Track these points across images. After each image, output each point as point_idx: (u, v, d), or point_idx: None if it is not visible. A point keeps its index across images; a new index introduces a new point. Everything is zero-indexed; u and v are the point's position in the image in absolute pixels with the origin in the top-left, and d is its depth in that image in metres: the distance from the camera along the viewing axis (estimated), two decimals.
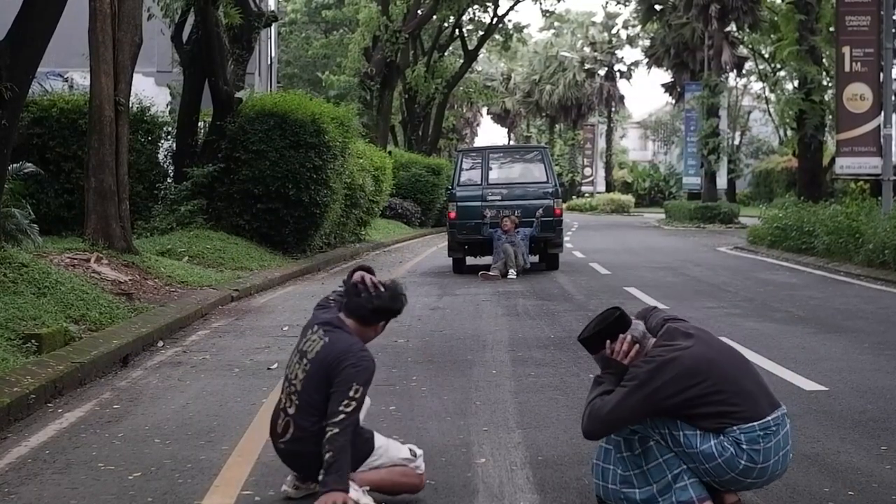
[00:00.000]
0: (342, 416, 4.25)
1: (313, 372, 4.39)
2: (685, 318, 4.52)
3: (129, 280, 11.47)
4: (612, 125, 67.53)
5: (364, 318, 4.51)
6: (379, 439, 4.58)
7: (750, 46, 44.28)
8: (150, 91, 21.78)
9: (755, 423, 4.07)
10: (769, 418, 4.10)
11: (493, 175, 17.44)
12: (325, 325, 4.50)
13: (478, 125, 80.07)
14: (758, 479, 4.14)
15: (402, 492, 4.59)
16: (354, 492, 4.33)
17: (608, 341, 4.21)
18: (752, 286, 14.67)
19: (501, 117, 76.41)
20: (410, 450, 4.62)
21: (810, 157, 36.51)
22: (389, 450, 4.57)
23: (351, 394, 4.28)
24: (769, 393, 4.24)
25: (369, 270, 4.66)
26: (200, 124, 18.94)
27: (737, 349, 4.49)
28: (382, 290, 4.52)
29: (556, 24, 62.25)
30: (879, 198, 20.57)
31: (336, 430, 4.24)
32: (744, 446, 4.06)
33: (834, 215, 19.08)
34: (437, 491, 4.74)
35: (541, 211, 16.65)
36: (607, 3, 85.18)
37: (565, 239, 21.00)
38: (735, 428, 4.07)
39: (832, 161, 30.21)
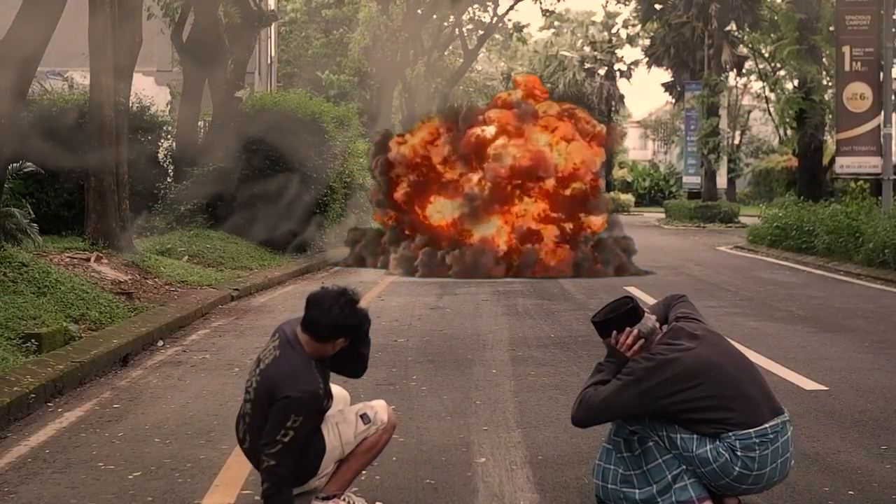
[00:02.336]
0: (279, 447, 4.03)
1: (261, 387, 4.19)
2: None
3: (129, 279, 11.48)
4: (611, 124, 67.52)
5: (320, 336, 4.18)
6: (328, 436, 4.31)
7: (750, 46, 44.26)
8: (150, 90, 21.83)
9: (751, 430, 4.05)
10: (767, 426, 4.07)
11: None
12: (283, 335, 4.26)
13: None
14: (753, 486, 4.12)
15: (381, 450, 4.49)
16: None
17: (615, 331, 4.21)
18: (753, 285, 14.68)
19: None
20: (361, 417, 4.37)
21: (810, 156, 36.49)
22: (343, 436, 4.34)
23: (288, 424, 4.03)
24: (772, 399, 4.19)
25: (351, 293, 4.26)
26: (200, 123, 18.96)
27: (743, 353, 4.47)
28: (343, 304, 4.17)
29: (555, 23, 62.14)
30: (879, 197, 20.58)
31: (272, 462, 4.03)
32: (738, 453, 4.03)
33: (834, 215, 19.08)
34: (437, 490, 4.74)
35: None
36: (607, 2, 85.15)
37: None
38: (731, 434, 4.05)
39: (832, 160, 30.21)
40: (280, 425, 4.04)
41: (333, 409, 4.39)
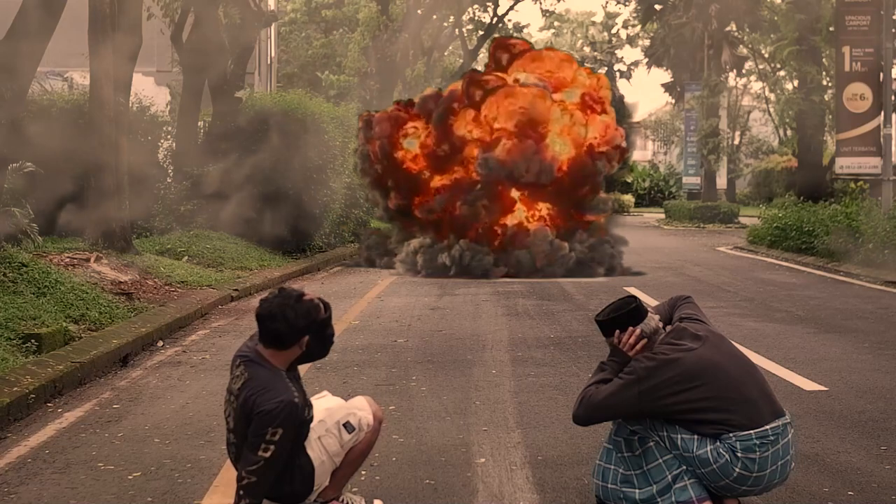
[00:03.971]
0: (261, 464, 3.91)
1: (238, 413, 4.09)
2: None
3: (129, 280, 11.48)
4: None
5: (286, 343, 4.10)
6: (313, 454, 4.20)
7: (750, 46, 44.29)
8: (150, 91, 21.83)
9: (752, 432, 4.04)
10: (767, 427, 4.07)
11: None
12: (245, 358, 4.17)
13: None
14: (753, 487, 4.11)
15: (373, 446, 4.43)
16: None
17: (618, 331, 4.21)
18: (752, 286, 14.68)
19: None
20: (345, 426, 4.27)
21: (810, 157, 36.49)
22: (329, 448, 4.25)
23: (268, 437, 3.91)
24: (773, 401, 4.19)
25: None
26: (200, 124, 18.96)
27: (745, 355, 4.46)
28: (293, 304, 4.06)
29: (555, 23, 62.23)
30: (879, 198, 20.58)
31: (253, 479, 3.91)
32: (738, 454, 4.03)
33: (834, 215, 19.08)
34: (437, 490, 4.75)
35: None
36: (607, 2, 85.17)
37: None
38: (731, 435, 4.05)
39: (832, 161, 30.22)
40: (260, 440, 3.94)
41: (314, 420, 4.28)
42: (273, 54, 37.09)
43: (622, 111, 18.82)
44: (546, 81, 17.27)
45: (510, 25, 43.41)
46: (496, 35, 19.03)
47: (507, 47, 18.61)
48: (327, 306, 4.23)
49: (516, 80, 17.14)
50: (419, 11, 35.32)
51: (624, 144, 17.44)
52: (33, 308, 8.38)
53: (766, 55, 44.65)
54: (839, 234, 17.86)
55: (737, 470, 4.04)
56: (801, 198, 24.13)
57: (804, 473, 4.95)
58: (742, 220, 35.59)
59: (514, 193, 16.98)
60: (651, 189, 64.35)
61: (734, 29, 40.09)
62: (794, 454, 4.20)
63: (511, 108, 16.66)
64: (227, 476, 4.95)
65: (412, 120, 17.48)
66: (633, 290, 13.57)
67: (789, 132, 42.88)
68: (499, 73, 17.59)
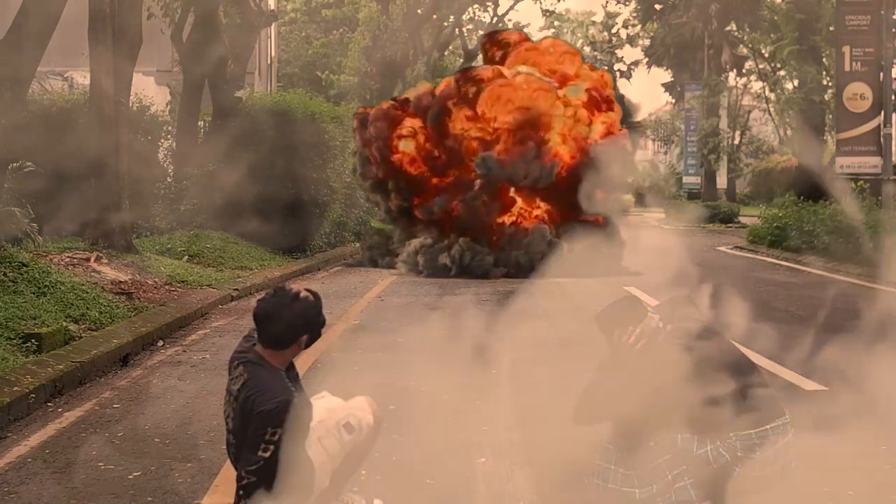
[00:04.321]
0: (261, 464, 3.91)
1: (238, 413, 4.07)
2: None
3: (129, 279, 11.49)
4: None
5: (286, 342, 4.09)
6: (312, 455, 4.15)
7: (750, 46, 44.29)
8: (150, 90, 21.83)
9: (752, 432, 4.04)
10: (768, 427, 4.07)
11: None
12: (243, 359, 4.14)
13: None
14: (754, 487, 4.11)
15: (372, 447, 4.40)
16: None
17: (617, 331, 4.21)
18: (752, 286, 14.67)
19: None
20: (343, 427, 4.23)
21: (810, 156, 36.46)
22: (329, 450, 4.20)
23: (267, 437, 3.91)
24: (774, 401, 4.19)
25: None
26: (200, 123, 18.96)
27: (745, 354, 4.46)
28: (289, 303, 4.06)
29: (556, 23, 62.20)
30: (879, 198, 20.58)
31: (254, 479, 3.92)
32: (739, 454, 4.03)
33: (834, 215, 19.07)
34: (437, 490, 4.74)
35: None
36: (607, 2, 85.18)
37: None
38: (731, 434, 4.05)
39: (832, 161, 30.23)
40: (259, 441, 3.93)
41: (314, 421, 4.24)
42: (273, 54, 37.08)
43: (625, 111, 18.67)
44: (551, 78, 17.11)
45: (510, 25, 43.42)
46: (489, 31, 18.76)
47: (499, 42, 18.42)
48: (317, 296, 4.21)
49: (517, 73, 16.94)
50: (419, 11, 35.31)
51: (629, 147, 17.32)
52: (33, 308, 8.38)
53: (766, 55, 44.62)
54: (839, 234, 17.86)
55: (737, 470, 4.03)
56: (801, 197, 24.15)
57: (804, 473, 4.94)
58: (742, 219, 35.59)
59: (513, 192, 16.95)
60: (651, 189, 64.00)
61: (734, 29, 40.12)
62: (794, 453, 4.20)
63: (509, 103, 16.53)
64: (227, 476, 4.95)
65: (408, 118, 17.38)
66: (633, 290, 13.55)
67: (789, 132, 42.87)
68: (494, 66, 17.40)
